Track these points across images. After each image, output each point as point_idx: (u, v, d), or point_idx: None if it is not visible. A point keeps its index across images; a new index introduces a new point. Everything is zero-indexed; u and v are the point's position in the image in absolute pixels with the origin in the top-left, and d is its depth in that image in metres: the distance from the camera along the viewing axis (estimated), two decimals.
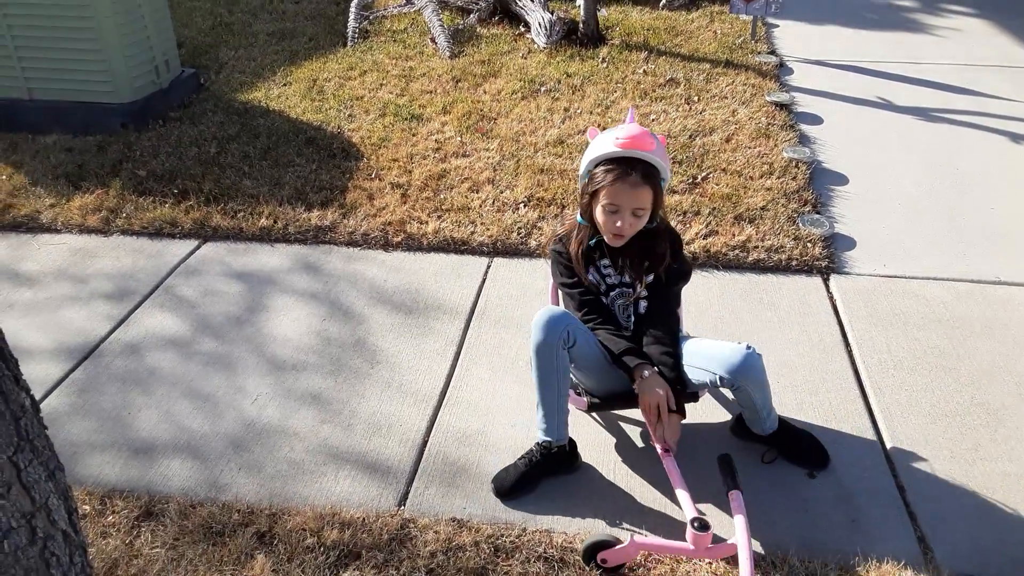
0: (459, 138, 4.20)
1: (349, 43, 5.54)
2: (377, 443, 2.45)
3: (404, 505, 2.23)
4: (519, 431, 2.44)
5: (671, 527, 2.14)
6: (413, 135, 4.26)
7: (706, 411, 2.54)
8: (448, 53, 5.23)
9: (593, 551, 2.00)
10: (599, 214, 2.20)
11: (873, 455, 2.37)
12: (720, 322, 2.93)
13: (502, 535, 2.10)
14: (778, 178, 3.78)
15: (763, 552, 2.06)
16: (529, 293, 3.11)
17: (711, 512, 2.19)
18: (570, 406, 2.26)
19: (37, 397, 2.24)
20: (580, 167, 2.29)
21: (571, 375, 2.30)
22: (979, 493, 2.24)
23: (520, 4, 5.64)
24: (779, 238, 3.36)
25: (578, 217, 2.31)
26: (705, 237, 3.36)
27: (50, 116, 4.38)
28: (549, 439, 2.24)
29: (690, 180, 3.76)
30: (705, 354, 2.21)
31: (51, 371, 2.77)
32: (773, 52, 5.29)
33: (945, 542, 2.09)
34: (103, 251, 3.48)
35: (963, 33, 5.62)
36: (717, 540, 2.01)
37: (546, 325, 2.11)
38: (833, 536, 2.11)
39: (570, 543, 2.08)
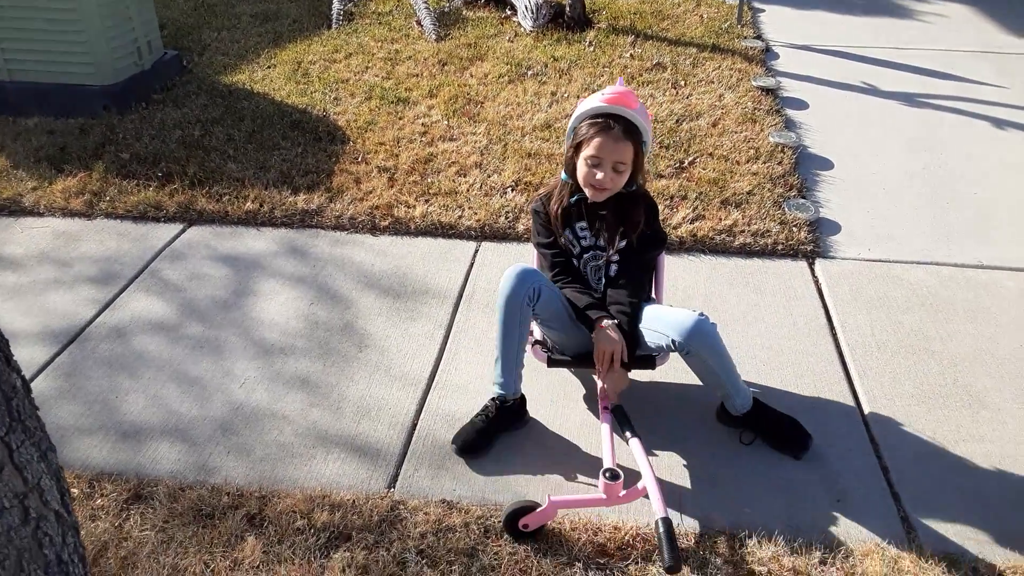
0: (446, 122, 4.18)
1: (334, 25, 5.49)
2: (366, 426, 2.45)
3: (394, 487, 2.24)
4: None
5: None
6: (399, 118, 4.24)
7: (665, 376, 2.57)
8: (434, 36, 5.20)
9: (514, 519, 2.02)
10: (581, 167, 2.27)
11: (857, 436, 2.40)
12: (707, 306, 2.94)
13: (491, 516, 2.11)
14: (764, 163, 3.80)
15: (750, 532, 2.09)
16: None
17: (664, 461, 2.24)
18: (527, 361, 2.34)
19: None
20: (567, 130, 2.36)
21: (539, 331, 2.42)
22: (961, 473, 2.28)
23: None
24: (765, 222, 3.38)
25: (562, 174, 2.37)
26: (692, 221, 3.38)
27: (31, 98, 4.32)
28: (504, 393, 2.31)
29: (677, 164, 3.77)
30: (660, 318, 2.26)
31: (36, 355, 2.75)
32: (759, 37, 5.30)
33: (928, 522, 2.13)
34: (87, 234, 3.44)
35: (947, 19, 5.65)
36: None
37: (515, 278, 2.20)
38: (818, 517, 2.14)
39: (559, 522, 2.10)
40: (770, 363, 2.67)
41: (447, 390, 2.59)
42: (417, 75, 4.72)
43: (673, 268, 3.12)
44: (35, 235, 3.44)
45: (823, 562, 1.99)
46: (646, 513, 2.10)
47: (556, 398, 2.52)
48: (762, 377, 2.61)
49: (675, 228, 3.33)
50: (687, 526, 2.11)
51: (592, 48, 5.01)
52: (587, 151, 2.23)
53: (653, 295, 2.52)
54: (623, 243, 2.37)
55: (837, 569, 1.98)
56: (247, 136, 4.11)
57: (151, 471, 2.30)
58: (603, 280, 2.40)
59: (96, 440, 2.41)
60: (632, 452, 2.12)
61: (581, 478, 2.25)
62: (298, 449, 2.38)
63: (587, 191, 2.31)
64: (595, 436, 2.37)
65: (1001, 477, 2.26)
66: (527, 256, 3.22)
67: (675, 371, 2.62)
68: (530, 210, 2.47)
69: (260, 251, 3.33)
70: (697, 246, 3.29)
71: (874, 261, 3.23)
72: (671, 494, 2.18)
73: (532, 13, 5.25)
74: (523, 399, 2.41)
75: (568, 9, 5.32)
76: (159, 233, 3.46)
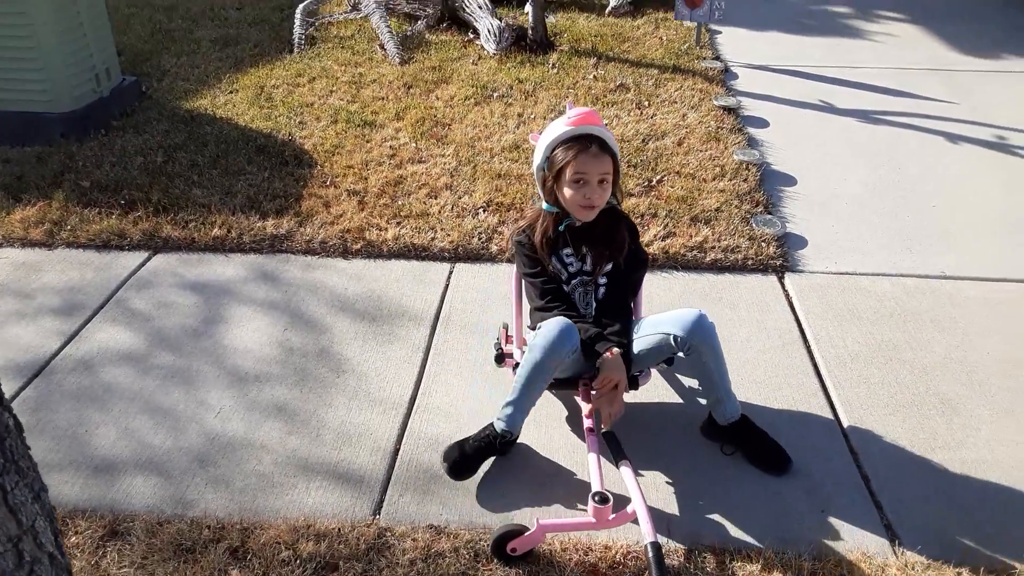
0: (414, 144, 4.17)
1: (295, 49, 5.47)
2: (348, 453, 2.41)
3: (379, 514, 2.20)
4: None
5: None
6: (367, 141, 4.22)
7: (648, 395, 2.58)
8: (398, 59, 5.20)
9: (503, 543, 2.01)
10: (567, 191, 2.26)
11: (837, 446, 2.44)
12: None
13: (481, 540, 2.09)
14: (730, 180, 3.86)
15: (739, 547, 2.09)
16: (493, 298, 3.11)
17: (649, 479, 2.25)
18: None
19: None
20: (535, 162, 2.35)
21: (519, 354, 2.45)
22: (939, 480, 2.32)
23: (468, 11, 5.65)
24: (734, 238, 3.43)
25: (543, 205, 2.36)
26: (663, 239, 3.41)
27: None
28: (510, 431, 2.29)
29: (646, 183, 3.82)
30: (661, 320, 2.30)
31: None
32: (718, 57, 5.41)
33: (911, 528, 2.16)
34: (48, 265, 3.35)
35: (897, 38, 5.84)
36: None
37: (561, 334, 2.15)
38: (805, 527, 2.16)
39: (549, 544, 2.08)
40: (748, 377, 2.70)
41: (429, 413, 2.56)
42: (383, 98, 4.72)
43: (647, 285, 3.10)
44: None
45: (813, 573, 2.00)
46: (636, 531, 2.09)
47: (540, 419, 2.51)
48: (740, 390, 2.62)
49: (647, 245, 3.36)
50: (675, 543, 2.11)
51: (556, 70, 5.06)
52: (570, 173, 2.23)
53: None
54: (609, 266, 2.38)
55: None
56: (211, 161, 4.05)
57: (126, 506, 2.22)
58: (592, 304, 2.40)
59: (67, 476, 2.32)
60: (622, 477, 2.13)
61: (568, 500, 2.24)
62: (278, 478, 2.33)
63: (577, 213, 2.30)
64: (580, 457, 2.36)
65: (978, 482, 2.31)
66: (502, 276, 3.23)
67: (656, 389, 2.64)
68: (513, 243, 2.45)
69: (229, 277, 3.27)
70: (669, 263, 3.32)
71: (841, 274, 3.29)
72: (659, 513, 2.18)
73: (495, 36, 5.29)
74: None
75: (530, 32, 5.38)
76: (123, 262, 3.38)
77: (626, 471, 2.13)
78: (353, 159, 4.03)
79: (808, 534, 2.13)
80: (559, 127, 2.25)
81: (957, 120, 4.58)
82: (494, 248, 3.38)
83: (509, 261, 3.33)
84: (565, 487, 2.28)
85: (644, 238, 3.40)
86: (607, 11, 6.14)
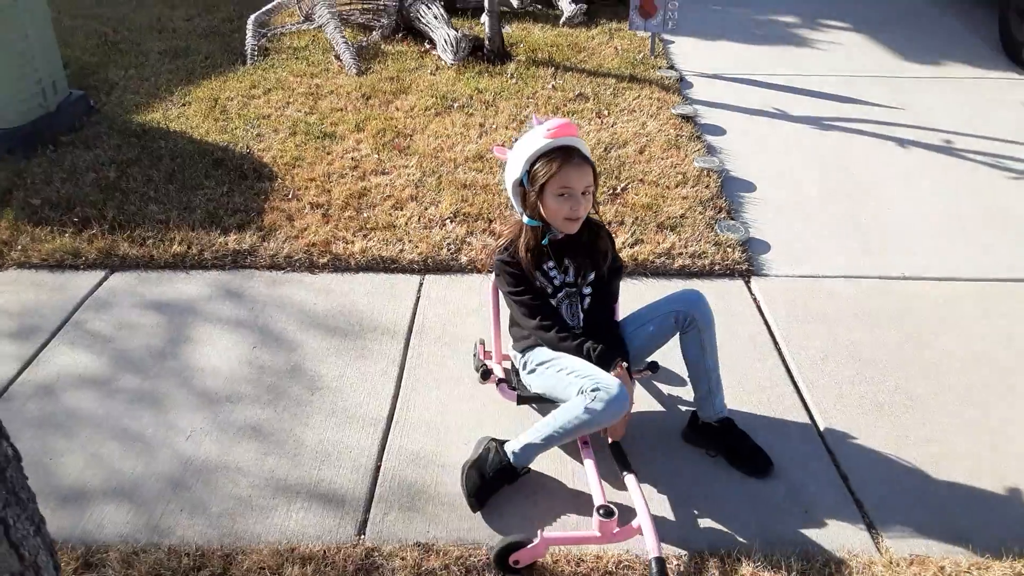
0: (376, 155, 4.13)
1: (248, 61, 5.37)
2: (328, 472, 2.36)
3: (364, 534, 2.16)
4: (473, 448, 2.41)
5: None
6: (328, 153, 4.16)
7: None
8: (355, 70, 5.15)
9: (505, 555, 2.00)
10: (552, 204, 2.24)
11: (814, 447, 2.48)
12: None
13: (471, 555, 2.07)
14: (692, 187, 3.92)
15: (727, 550, 2.11)
16: (466, 309, 3.09)
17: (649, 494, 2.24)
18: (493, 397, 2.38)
19: None
20: (509, 176, 2.32)
21: (500, 369, 2.55)
22: (914, 476, 2.38)
23: (424, 21, 5.62)
24: (700, 244, 3.48)
25: (525, 219, 2.32)
26: (632, 246, 3.44)
27: None
28: (524, 467, 2.26)
29: (611, 191, 3.84)
30: (657, 305, 2.39)
31: None
32: (672, 67, 5.49)
33: (892, 525, 2.21)
34: None
35: (842, 46, 6.01)
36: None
37: (620, 405, 2.10)
38: (789, 528, 2.19)
39: (541, 557, 2.06)
40: (722, 380, 2.72)
41: (408, 427, 2.52)
42: (341, 109, 4.66)
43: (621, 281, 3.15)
44: None
45: (802, 574, 2.03)
46: (628, 541, 2.09)
47: (520, 431, 2.49)
48: None
49: (618, 252, 3.38)
50: (666, 547, 2.11)
51: (515, 80, 5.08)
52: (554, 187, 2.21)
53: None
54: (592, 275, 2.39)
55: None
56: (167, 176, 3.94)
57: (98, 536, 2.14)
58: (579, 315, 2.40)
59: None
60: (628, 487, 2.15)
61: (560, 513, 2.23)
62: (257, 501, 2.26)
63: (561, 227, 2.29)
64: (572, 467, 2.35)
65: (951, 476, 2.37)
66: (475, 288, 3.21)
67: (638, 398, 2.64)
68: (496, 264, 2.39)
69: (192, 295, 3.18)
70: (639, 270, 3.35)
71: (804, 277, 3.36)
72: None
73: (452, 46, 5.27)
74: None
75: (487, 42, 5.38)
76: (79, 282, 3.26)
77: (632, 482, 2.14)
78: (315, 171, 3.97)
79: (793, 536, 2.16)
80: (537, 140, 2.22)
81: (903, 125, 4.72)
82: (464, 259, 3.36)
83: (479, 271, 3.32)
84: (555, 499, 2.27)
85: None
86: (561, 21, 6.18)
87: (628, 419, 2.28)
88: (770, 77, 5.39)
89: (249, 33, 5.60)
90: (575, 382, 2.17)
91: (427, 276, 3.30)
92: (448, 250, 3.40)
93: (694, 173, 4.04)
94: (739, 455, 2.38)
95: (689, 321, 2.29)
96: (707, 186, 3.94)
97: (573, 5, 6.18)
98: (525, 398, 2.42)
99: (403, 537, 2.14)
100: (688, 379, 2.46)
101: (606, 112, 4.67)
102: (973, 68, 5.57)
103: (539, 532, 1.99)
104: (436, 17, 5.58)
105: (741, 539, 2.14)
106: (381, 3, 5.85)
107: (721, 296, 3.20)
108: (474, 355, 2.67)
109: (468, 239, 3.46)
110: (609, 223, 3.58)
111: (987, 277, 3.36)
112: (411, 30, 5.79)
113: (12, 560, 0.97)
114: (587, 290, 2.40)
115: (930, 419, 2.59)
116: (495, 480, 2.22)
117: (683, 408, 2.62)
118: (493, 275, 2.53)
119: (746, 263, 3.41)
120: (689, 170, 4.07)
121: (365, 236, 3.48)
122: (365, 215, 3.62)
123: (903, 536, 2.17)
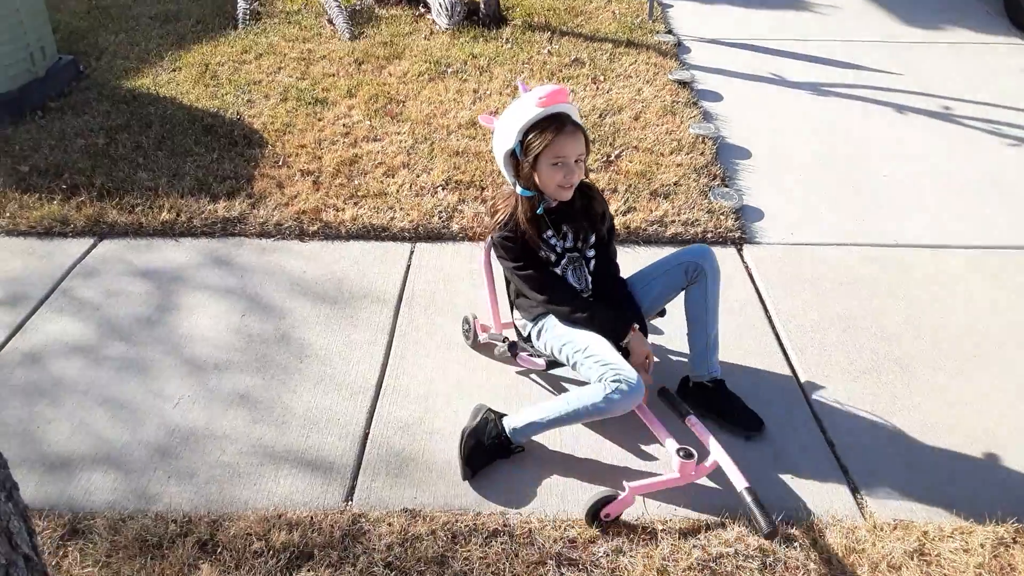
0: (368, 122, 4.09)
1: (240, 25, 5.29)
2: (315, 439, 2.36)
3: (352, 500, 2.17)
4: (462, 416, 2.40)
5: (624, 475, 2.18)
6: (319, 120, 4.11)
7: None
8: (348, 35, 5.07)
9: (597, 510, 2.05)
10: (545, 173, 2.23)
11: (801, 413, 2.48)
12: None
13: (457, 521, 2.07)
14: (687, 154, 3.87)
15: (713, 513, 2.12)
16: (457, 276, 3.07)
17: (623, 457, 2.24)
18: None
19: None
20: (499, 147, 2.29)
21: (514, 333, 2.57)
22: (900, 442, 2.38)
23: None
24: (693, 212, 3.45)
25: (519, 190, 2.31)
26: (624, 214, 3.41)
27: None
28: (520, 443, 2.27)
29: (604, 158, 3.80)
30: (668, 258, 2.44)
31: None
32: (670, 32, 5.41)
33: (877, 491, 2.21)
34: None
35: (841, 11, 5.91)
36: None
37: (638, 394, 2.11)
38: (776, 494, 2.19)
39: (527, 522, 2.07)
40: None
41: (397, 395, 2.52)
42: (333, 75, 4.60)
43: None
44: None
45: (786, 538, 2.04)
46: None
47: (509, 398, 2.50)
48: None
49: None
50: (651, 514, 2.12)
51: (510, 45, 5.00)
52: (548, 156, 2.20)
53: None
54: (592, 237, 2.40)
55: (800, 545, 2.03)
56: (156, 143, 3.90)
57: (85, 503, 2.15)
58: (586, 278, 2.42)
59: (21, 474, 2.22)
60: (694, 430, 2.25)
61: (543, 478, 2.24)
62: (245, 468, 2.27)
63: (555, 195, 2.29)
64: (555, 436, 2.35)
65: (937, 443, 2.38)
66: (464, 255, 3.19)
67: None
68: (496, 241, 2.37)
69: (181, 263, 3.17)
70: (631, 238, 3.32)
71: (797, 244, 3.34)
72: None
73: (447, 11, 5.19)
74: None
75: (483, 6, 5.29)
76: (68, 249, 3.24)
77: (697, 423, 2.24)
78: (305, 138, 3.93)
79: (779, 500, 2.17)
80: (529, 109, 2.19)
81: (902, 91, 4.66)
82: (455, 227, 3.33)
83: (470, 239, 3.29)
84: (546, 465, 2.28)
85: None
86: None
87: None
88: (769, 42, 5.31)
89: None
90: (595, 368, 2.17)
91: (418, 244, 3.28)
92: (439, 218, 3.37)
93: (689, 140, 4.00)
94: (731, 414, 2.39)
95: (698, 272, 2.34)
96: (702, 153, 3.90)
97: None
98: (553, 363, 2.44)
99: (390, 503, 2.15)
100: (686, 336, 2.47)
101: (602, 78, 4.61)
102: (975, 33, 5.49)
103: (625, 484, 2.04)
104: None
105: (725, 503, 2.15)
106: None
107: None
108: (465, 330, 2.67)
109: (460, 207, 3.43)
110: (602, 191, 3.53)
111: (981, 245, 3.34)
112: None
113: None
114: (591, 252, 2.41)
115: (919, 387, 2.59)
116: (492, 451, 2.23)
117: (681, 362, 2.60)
118: (487, 248, 2.51)
119: (739, 231, 3.38)
120: (684, 137, 4.02)
121: (356, 203, 3.45)
122: (356, 182, 3.59)
123: (887, 500, 2.18)
